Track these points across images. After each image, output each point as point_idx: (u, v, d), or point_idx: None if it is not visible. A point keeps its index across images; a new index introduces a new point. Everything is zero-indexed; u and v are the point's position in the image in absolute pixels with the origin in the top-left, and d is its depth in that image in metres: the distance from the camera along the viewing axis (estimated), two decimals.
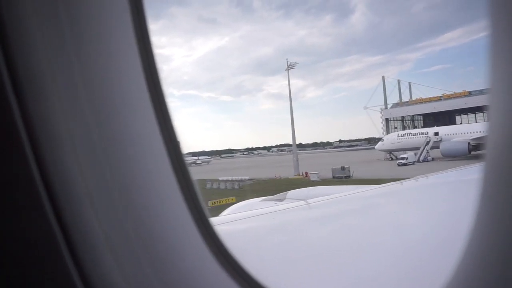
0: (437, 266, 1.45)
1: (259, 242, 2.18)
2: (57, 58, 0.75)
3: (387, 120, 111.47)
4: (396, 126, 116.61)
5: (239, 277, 0.96)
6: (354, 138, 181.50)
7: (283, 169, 58.60)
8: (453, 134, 52.47)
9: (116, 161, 0.82)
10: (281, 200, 4.98)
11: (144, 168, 0.87)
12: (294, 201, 4.20)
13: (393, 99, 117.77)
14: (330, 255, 1.81)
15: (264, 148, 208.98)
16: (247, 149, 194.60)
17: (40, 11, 0.72)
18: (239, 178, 47.93)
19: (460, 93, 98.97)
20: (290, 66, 46.12)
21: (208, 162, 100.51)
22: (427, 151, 49.65)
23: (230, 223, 2.73)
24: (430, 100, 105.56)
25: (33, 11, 0.71)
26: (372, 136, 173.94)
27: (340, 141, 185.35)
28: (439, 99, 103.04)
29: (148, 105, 0.87)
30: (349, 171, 41.65)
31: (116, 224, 0.82)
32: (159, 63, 0.88)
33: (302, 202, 3.45)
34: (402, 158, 43.54)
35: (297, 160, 46.00)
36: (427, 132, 55.98)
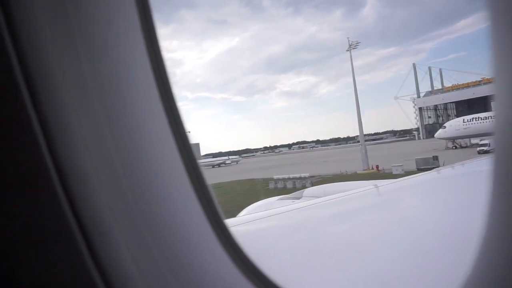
0: (455, 262, 1.42)
1: (277, 242, 2.14)
2: (67, 59, 0.76)
3: (420, 109, 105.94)
4: (430, 115, 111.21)
5: (254, 278, 0.96)
6: (373, 132, 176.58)
7: (329, 164, 53.71)
8: None
9: (129, 161, 0.82)
10: (298, 198, 5.16)
11: (157, 169, 0.86)
12: (311, 199, 4.28)
13: (421, 87, 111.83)
14: (347, 252, 1.77)
15: (283, 146, 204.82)
16: (266, 148, 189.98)
17: (49, 9, 0.74)
18: (298, 175, 43.00)
19: None
20: (352, 46, 41.00)
21: (237, 161, 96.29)
22: None
23: (248, 223, 2.67)
24: (468, 85, 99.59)
25: (43, 9, 0.73)
26: (392, 129, 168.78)
27: (358, 136, 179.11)
28: (478, 83, 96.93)
29: (158, 105, 0.87)
30: (438, 161, 36.30)
31: (132, 225, 0.81)
32: (168, 64, 0.89)
33: (320, 200, 3.71)
34: (484, 145, 38.02)
35: (366, 152, 40.78)
36: None
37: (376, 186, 3.88)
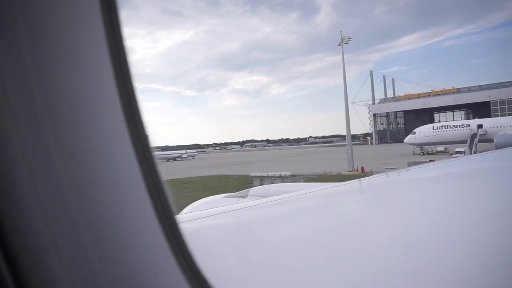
0: (400, 268, 1.51)
1: (221, 241, 2.12)
2: (3, 34, 0.68)
3: (374, 115, 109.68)
4: (382, 122, 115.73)
5: (195, 281, 0.92)
6: (320, 135, 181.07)
7: (300, 163, 52.12)
8: (499, 126, 49.16)
9: (72, 153, 0.75)
10: (244, 197, 4.99)
11: (104, 159, 0.79)
12: (257, 198, 4.27)
13: (369, 95, 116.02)
14: (293, 254, 1.77)
15: (234, 143, 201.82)
16: (216, 145, 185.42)
17: None
18: (278, 174, 40.22)
19: (449, 90, 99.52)
20: (344, 40, 39.07)
21: (193, 156, 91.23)
22: (475, 145, 45.58)
23: (192, 221, 2.57)
24: (419, 96, 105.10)
25: None
26: (338, 134, 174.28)
27: (310, 137, 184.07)
28: (428, 95, 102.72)
29: (113, 91, 0.80)
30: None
31: (65, 218, 0.74)
32: (129, 53, 0.82)
33: (266, 200, 3.63)
34: (459, 152, 38.56)
35: (352, 153, 39.22)
36: (469, 125, 52.09)
37: (324, 188, 4.10)
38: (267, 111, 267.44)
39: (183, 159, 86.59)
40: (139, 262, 0.81)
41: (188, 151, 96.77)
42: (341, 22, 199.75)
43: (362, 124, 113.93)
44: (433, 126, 55.29)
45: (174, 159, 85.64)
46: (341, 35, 39.73)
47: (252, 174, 41.81)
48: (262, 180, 37.91)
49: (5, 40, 0.68)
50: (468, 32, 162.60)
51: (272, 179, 37.88)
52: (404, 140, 57.60)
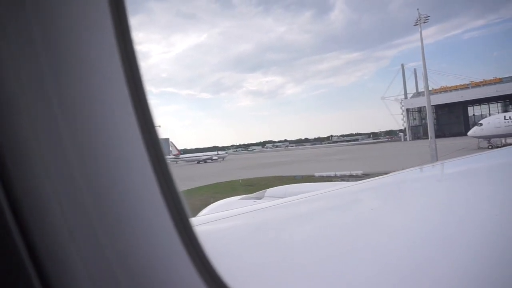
0: (417, 267, 1.51)
1: (238, 242, 2.12)
2: (22, 45, 0.70)
3: (407, 110, 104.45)
4: (415, 117, 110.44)
5: (211, 282, 0.94)
6: (341, 134, 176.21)
7: (346, 162, 47.50)
8: None
9: (88, 158, 0.77)
10: (260, 198, 4.97)
11: (119, 163, 0.81)
12: (273, 199, 4.24)
13: (392, 91, 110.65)
14: (309, 255, 1.77)
15: (254, 144, 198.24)
16: (235, 146, 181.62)
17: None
18: (347, 173, 35.74)
19: (491, 80, 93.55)
20: (422, 19, 34.33)
21: (223, 158, 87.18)
22: None
23: (209, 223, 2.63)
24: (456, 88, 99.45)
25: None
26: (358, 132, 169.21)
27: (332, 136, 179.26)
28: (466, 87, 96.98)
29: (126, 97, 0.81)
30: None
31: (83, 219, 0.76)
32: (140, 59, 0.84)
33: (283, 200, 3.55)
34: None
35: (435, 150, 34.50)
36: None
37: (340, 188, 4.10)
38: (283, 111, 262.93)
39: (213, 161, 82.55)
40: (154, 262, 0.82)
41: (219, 152, 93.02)
42: (355, 19, 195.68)
43: (394, 120, 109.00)
44: (505, 116, 50.00)
45: (205, 161, 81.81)
46: (418, 13, 35.00)
47: (317, 174, 37.33)
48: (332, 181, 33.56)
49: (21, 45, 0.69)
50: (489, 22, 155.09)
51: (343, 179, 33.45)
52: (468, 133, 52.33)
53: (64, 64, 0.74)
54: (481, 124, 50.64)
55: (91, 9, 0.77)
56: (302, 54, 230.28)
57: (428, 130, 35.29)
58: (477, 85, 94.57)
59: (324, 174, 36.68)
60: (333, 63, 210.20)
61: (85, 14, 0.77)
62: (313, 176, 36.95)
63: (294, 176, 38.34)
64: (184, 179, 44.66)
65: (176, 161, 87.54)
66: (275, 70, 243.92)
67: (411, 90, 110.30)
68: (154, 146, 0.84)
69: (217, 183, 38.56)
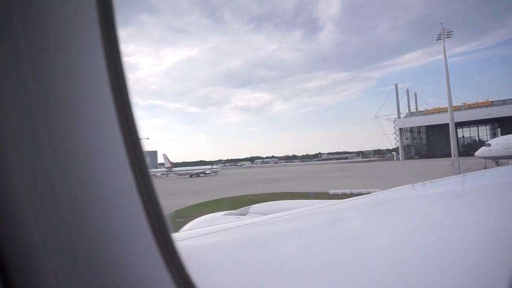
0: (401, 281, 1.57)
1: (221, 258, 2.09)
2: (7, 54, 0.69)
3: (401, 130, 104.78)
4: (407, 137, 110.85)
5: None
6: (328, 152, 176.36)
7: (326, 181, 46.01)
8: None
9: (68, 169, 0.74)
10: (244, 214, 4.98)
11: (100, 175, 0.78)
12: (258, 215, 4.35)
13: (384, 110, 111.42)
14: (292, 271, 1.77)
15: (239, 160, 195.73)
16: (222, 161, 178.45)
17: None
18: (364, 190, 33.82)
19: (483, 103, 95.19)
20: (444, 33, 33.55)
21: (216, 172, 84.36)
22: None
23: (192, 238, 2.60)
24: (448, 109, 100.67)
25: None
26: (345, 150, 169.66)
27: (321, 154, 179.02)
28: (458, 108, 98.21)
29: (110, 108, 0.79)
30: None
31: (62, 236, 0.72)
32: (127, 70, 0.82)
33: (266, 217, 3.53)
34: None
35: (459, 166, 33.22)
36: None
37: (325, 205, 4.03)
38: (270, 128, 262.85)
39: (206, 175, 79.75)
40: (132, 276, 0.80)
41: (213, 166, 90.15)
42: (344, 40, 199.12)
43: (386, 139, 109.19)
44: None
45: (198, 175, 78.88)
46: (442, 27, 34.40)
47: (331, 191, 35.38)
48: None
49: (3, 45, 0.68)
50: (471, 49, 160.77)
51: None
52: (476, 154, 51.77)
53: (48, 70, 0.72)
54: (489, 145, 50.16)
55: (79, 16, 0.76)
56: (291, 72, 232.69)
57: (451, 148, 34.25)
58: (469, 107, 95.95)
59: (339, 191, 34.76)
60: (321, 82, 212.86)
61: (73, 21, 0.75)
62: (327, 193, 34.98)
63: (307, 193, 36.24)
64: (186, 194, 42.11)
65: (167, 174, 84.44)
66: (264, 87, 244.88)
67: (402, 109, 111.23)
68: (138, 159, 0.82)
69: (224, 198, 36.12)
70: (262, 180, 58.43)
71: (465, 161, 52.60)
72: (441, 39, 34.50)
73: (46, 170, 0.71)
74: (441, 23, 35.14)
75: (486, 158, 49.35)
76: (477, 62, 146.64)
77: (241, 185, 48.94)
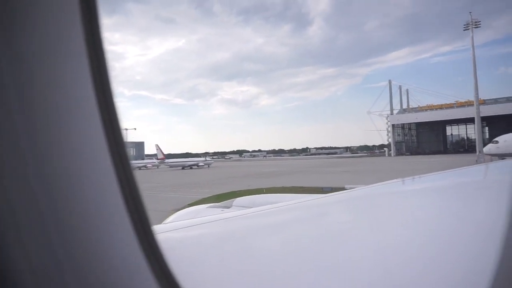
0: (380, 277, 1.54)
1: (202, 251, 2.08)
2: None
3: (393, 126, 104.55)
4: (399, 133, 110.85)
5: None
6: (314, 147, 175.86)
7: (331, 176, 44.34)
8: None
9: (45, 158, 0.72)
10: (228, 207, 4.99)
11: (79, 164, 0.76)
12: (241, 209, 4.38)
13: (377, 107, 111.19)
14: (274, 265, 1.77)
15: (225, 153, 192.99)
16: (208, 154, 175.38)
17: None
18: None
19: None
20: (473, 23, 31.72)
21: (209, 165, 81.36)
22: None
23: (174, 230, 2.59)
24: (441, 107, 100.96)
25: None
26: (331, 146, 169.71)
27: (308, 148, 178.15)
28: (451, 106, 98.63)
29: (91, 98, 0.78)
30: None
31: (37, 225, 0.70)
32: (109, 59, 0.80)
33: (250, 210, 3.51)
34: None
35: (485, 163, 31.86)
36: None
37: (310, 199, 4.02)
38: (257, 122, 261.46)
39: (199, 167, 76.80)
40: (112, 269, 0.79)
41: (207, 158, 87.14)
42: (332, 36, 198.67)
43: (378, 135, 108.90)
44: None
45: (190, 167, 75.80)
46: (470, 16, 32.65)
47: (347, 186, 33.39)
48: None
49: None
50: (455, 49, 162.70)
51: None
52: (484, 150, 51.00)
53: (24, 60, 0.69)
54: (496, 142, 49.34)
55: (60, 5, 0.74)
56: (279, 66, 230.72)
57: (476, 144, 33.00)
58: (461, 105, 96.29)
59: (355, 187, 32.88)
60: (309, 77, 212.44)
61: (51, 5, 0.73)
62: (344, 188, 33.01)
63: (322, 188, 34.29)
64: (186, 186, 39.39)
65: (158, 166, 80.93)
66: (251, 80, 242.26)
67: (394, 106, 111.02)
68: (118, 149, 0.81)
69: (233, 191, 33.68)
70: (261, 174, 56.14)
71: (455, 158, 51.73)
72: (468, 29, 32.77)
73: (22, 163, 0.68)
74: (470, 12, 33.38)
75: (492, 155, 48.64)
76: (461, 62, 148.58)
77: (241, 178, 46.54)
